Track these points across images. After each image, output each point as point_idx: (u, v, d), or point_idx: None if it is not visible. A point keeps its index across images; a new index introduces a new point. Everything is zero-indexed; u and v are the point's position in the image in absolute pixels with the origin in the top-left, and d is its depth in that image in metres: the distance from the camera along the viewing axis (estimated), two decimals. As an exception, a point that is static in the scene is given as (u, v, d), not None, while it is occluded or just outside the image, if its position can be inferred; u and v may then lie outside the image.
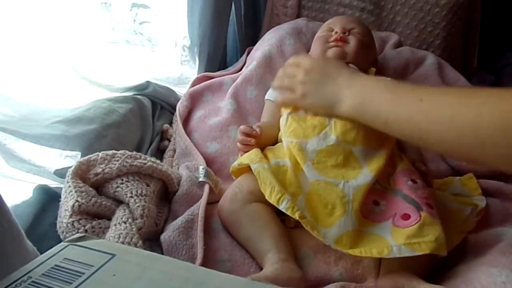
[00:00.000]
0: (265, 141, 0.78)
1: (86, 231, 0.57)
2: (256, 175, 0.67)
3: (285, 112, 0.78)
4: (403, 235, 0.60)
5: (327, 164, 0.69)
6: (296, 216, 0.61)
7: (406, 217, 0.63)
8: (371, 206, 0.66)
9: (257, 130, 0.76)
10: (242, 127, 0.78)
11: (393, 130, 0.61)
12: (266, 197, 0.64)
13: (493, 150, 0.47)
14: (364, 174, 0.68)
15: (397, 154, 0.76)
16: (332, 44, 0.90)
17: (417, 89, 0.61)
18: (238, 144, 0.78)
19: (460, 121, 0.51)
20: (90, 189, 0.62)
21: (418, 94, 0.58)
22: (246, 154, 0.74)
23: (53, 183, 0.70)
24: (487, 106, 0.49)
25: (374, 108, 0.62)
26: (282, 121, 0.78)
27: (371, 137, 0.71)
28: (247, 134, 0.76)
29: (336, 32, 0.91)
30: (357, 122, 0.69)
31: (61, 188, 0.62)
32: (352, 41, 0.90)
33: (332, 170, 0.69)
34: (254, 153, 0.73)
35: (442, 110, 0.54)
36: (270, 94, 0.89)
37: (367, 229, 0.64)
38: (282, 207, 0.62)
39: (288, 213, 0.62)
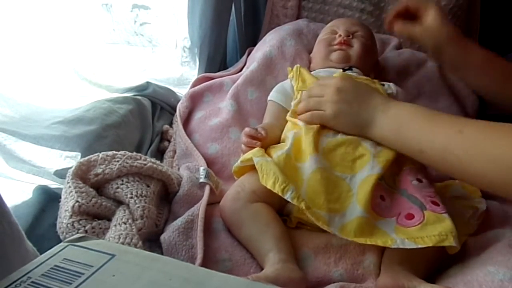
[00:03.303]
0: (269, 142, 0.77)
1: (86, 231, 0.57)
2: (258, 168, 0.67)
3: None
4: (405, 234, 0.61)
5: (336, 153, 0.70)
6: (302, 205, 0.61)
7: (410, 217, 0.63)
8: (378, 200, 0.67)
9: (263, 132, 0.75)
10: (247, 129, 0.77)
11: (428, 159, 0.61)
12: (269, 187, 0.64)
13: None
14: (371, 165, 0.68)
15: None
16: (336, 47, 0.90)
17: (456, 120, 0.60)
18: (243, 146, 0.77)
19: (504, 160, 0.50)
20: (90, 189, 0.62)
21: (457, 125, 0.57)
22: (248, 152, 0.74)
23: (53, 184, 0.70)
24: None
25: (409, 135, 0.63)
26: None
27: None
28: (252, 137, 0.75)
29: (340, 35, 0.91)
30: None
31: (61, 189, 0.62)
32: (356, 44, 0.90)
33: (341, 163, 0.69)
34: (257, 149, 0.72)
35: (484, 146, 0.53)
36: (273, 95, 0.89)
37: (373, 220, 0.64)
38: (287, 196, 0.62)
39: (294, 202, 0.62)
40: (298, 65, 0.90)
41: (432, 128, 0.60)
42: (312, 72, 0.89)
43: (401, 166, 0.73)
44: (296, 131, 0.74)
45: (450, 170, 0.59)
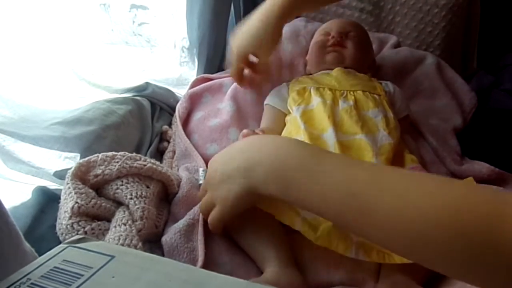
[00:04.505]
0: None
1: (85, 233, 0.57)
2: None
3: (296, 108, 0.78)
4: None
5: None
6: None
7: None
8: None
9: (260, 134, 0.74)
10: (244, 131, 0.76)
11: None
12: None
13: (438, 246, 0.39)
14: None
15: (407, 152, 0.76)
16: (329, 49, 0.90)
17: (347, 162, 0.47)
18: None
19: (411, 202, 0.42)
20: (90, 190, 0.62)
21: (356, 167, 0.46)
22: None
23: (52, 185, 0.70)
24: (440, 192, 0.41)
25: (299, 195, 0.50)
26: (296, 114, 0.78)
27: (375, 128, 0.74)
28: None
29: (333, 37, 0.91)
30: (362, 117, 0.73)
31: (60, 190, 0.62)
32: (350, 45, 0.90)
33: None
34: None
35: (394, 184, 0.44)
36: (269, 99, 0.89)
37: None
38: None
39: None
40: None
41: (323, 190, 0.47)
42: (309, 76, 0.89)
43: (403, 164, 0.72)
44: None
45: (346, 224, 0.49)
